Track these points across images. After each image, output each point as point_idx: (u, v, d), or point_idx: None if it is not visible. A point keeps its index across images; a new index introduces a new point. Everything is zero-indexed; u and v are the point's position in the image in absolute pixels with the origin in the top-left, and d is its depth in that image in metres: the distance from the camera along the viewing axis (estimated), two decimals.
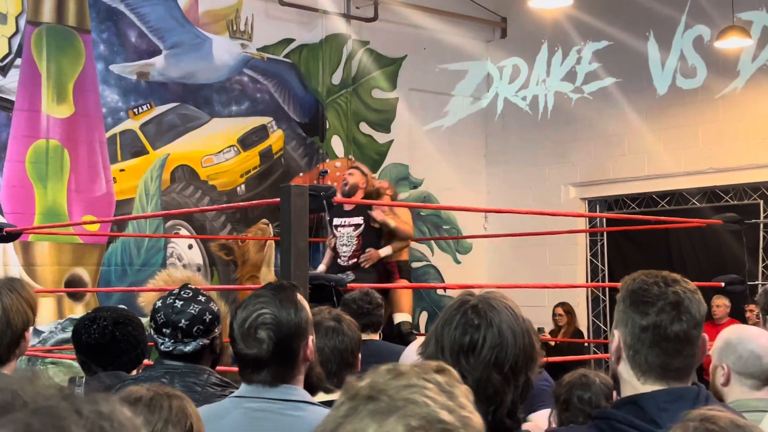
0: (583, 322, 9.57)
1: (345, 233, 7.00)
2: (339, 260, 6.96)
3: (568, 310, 9.08)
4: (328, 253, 7.19)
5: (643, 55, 9.25)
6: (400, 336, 6.59)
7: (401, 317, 7.13)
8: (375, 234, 6.94)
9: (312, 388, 2.27)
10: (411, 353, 2.30)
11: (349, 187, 6.97)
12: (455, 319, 1.71)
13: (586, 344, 9.17)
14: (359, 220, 6.95)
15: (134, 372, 3.00)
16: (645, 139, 9.22)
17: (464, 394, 1.06)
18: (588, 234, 9.80)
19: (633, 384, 1.83)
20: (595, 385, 2.85)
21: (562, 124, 9.90)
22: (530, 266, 9.71)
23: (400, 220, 7.01)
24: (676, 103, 9.07)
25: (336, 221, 7.02)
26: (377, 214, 6.88)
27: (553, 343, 8.75)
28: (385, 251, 6.93)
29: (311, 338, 2.23)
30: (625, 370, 1.84)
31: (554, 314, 9.10)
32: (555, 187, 9.93)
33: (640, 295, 1.83)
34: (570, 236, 9.37)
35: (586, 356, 8.88)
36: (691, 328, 1.80)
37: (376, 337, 4.49)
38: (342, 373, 2.75)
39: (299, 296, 2.22)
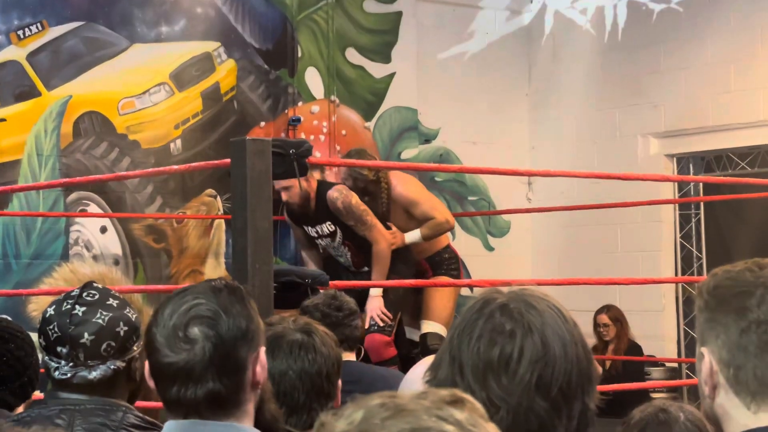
0: (669, 332, 9.57)
1: (327, 245, 7.14)
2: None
3: (616, 317, 9.07)
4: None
5: None
6: (426, 354, 6.64)
7: (429, 327, 7.18)
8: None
9: (265, 430, 2.27)
10: (415, 380, 2.28)
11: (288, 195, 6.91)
12: (478, 326, 1.71)
13: (674, 366, 9.18)
14: (329, 225, 7.04)
15: (19, 409, 2.99)
16: (762, 69, 9.18)
17: None
18: (677, 206, 9.80)
19: (741, 417, 1.82)
20: (679, 425, 2.85)
21: (639, 49, 9.87)
22: (593, 254, 9.70)
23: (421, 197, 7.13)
24: None
25: (309, 231, 7.13)
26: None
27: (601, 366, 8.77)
28: (413, 236, 7.01)
29: (262, 351, 2.25)
30: (726, 400, 1.84)
31: (596, 324, 9.08)
32: (629, 140, 9.92)
33: (729, 289, 1.84)
34: (651, 210, 9.37)
35: (674, 382, 8.91)
36: None
37: (351, 356, 4.52)
38: (314, 406, 2.76)
39: (247, 296, 2.26)
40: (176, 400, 2.17)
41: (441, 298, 7.24)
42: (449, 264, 7.47)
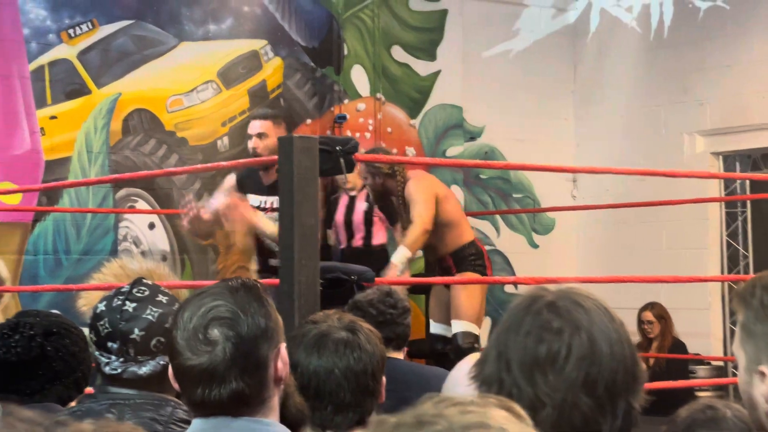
0: (715, 330, 9.51)
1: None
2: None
3: (660, 314, 9.01)
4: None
5: None
6: (459, 354, 6.60)
7: (460, 326, 7.14)
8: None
9: (291, 426, 2.27)
10: (459, 378, 2.28)
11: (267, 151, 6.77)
12: (526, 323, 1.71)
13: (720, 364, 9.12)
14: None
15: (72, 404, 3.01)
16: None
17: None
18: (724, 204, 9.73)
19: None
20: (726, 422, 2.82)
21: (685, 46, 9.81)
22: (639, 251, 9.66)
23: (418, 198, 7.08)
24: None
25: (253, 200, 6.90)
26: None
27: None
28: (399, 257, 6.94)
29: (283, 347, 2.26)
30: None
31: (640, 321, 9.02)
32: (675, 137, 9.86)
33: None
34: (698, 208, 9.31)
35: (719, 380, 8.85)
36: None
37: (400, 356, 4.48)
38: (360, 404, 2.74)
39: (264, 293, 2.26)
40: (201, 402, 2.18)
41: (468, 296, 7.16)
42: (475, 260, 7.38)
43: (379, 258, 8.04)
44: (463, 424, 1.03)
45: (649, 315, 9.01)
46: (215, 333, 2.17)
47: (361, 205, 8.24)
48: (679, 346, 9.01)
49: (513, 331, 1.71)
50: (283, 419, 2.26)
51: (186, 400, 2.23)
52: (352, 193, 8.23)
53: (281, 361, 2.24)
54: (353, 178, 8.05)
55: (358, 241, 8.15)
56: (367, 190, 7.86)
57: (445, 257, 7.36)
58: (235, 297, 2.21)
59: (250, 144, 6.79)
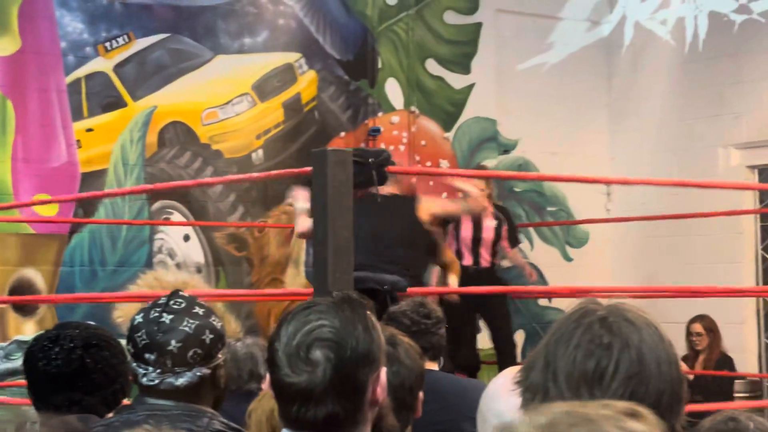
0: (750, 345, 9.45)
1: None
2: None
3: (709, 326, 8.94)
4: None
5: None
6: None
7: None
8: None
9: None
10: (497, 391, 2.28)
11: None
12: (576, 335, 1.71)
13: (752, 380, 9.06)
14: None
15: (110, 414, 3.04)
16: None
17: None
18: (759, 217, 9.68)
19: None
20: None
21: (720, 59, 9.78)
22: (673, 264, 9.62)
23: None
24: None
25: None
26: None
27: (690, 377, 8.67)
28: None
29: (383, 372, 2.22)
30: None
31: (689, 333, 8.96)
32: (710, 150, 9.82)
33: None
34: (733, 221, 9.28)
35: (757, 402, 8.76)
36: None
37: (435, 366, 4.47)
38: (396, 419, 2.74)
39: (369, 312, 2.23)
40: (295, 418, 2.17)
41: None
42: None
43: (499, 279, 8.13)
44: None
45: (698, 327, 8.92)
46: (317, 354, 2.14)
47: (490, 223, 8.26)
48: (727, 362, 8.92)
49: (563, 342, 1.71)
50: None
51: (280, 413, 2.22)
52: None
53: (380, 386, 2.21)
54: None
55: (486, 261, 8.19)
56: (492, 209, 7.95)
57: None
58: (341, 317, 2.17)
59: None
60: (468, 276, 7.98)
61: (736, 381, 9.00)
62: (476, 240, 8.24)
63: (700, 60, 9.93)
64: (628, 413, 1.09)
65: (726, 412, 2.92)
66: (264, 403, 2.97)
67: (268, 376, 2.24)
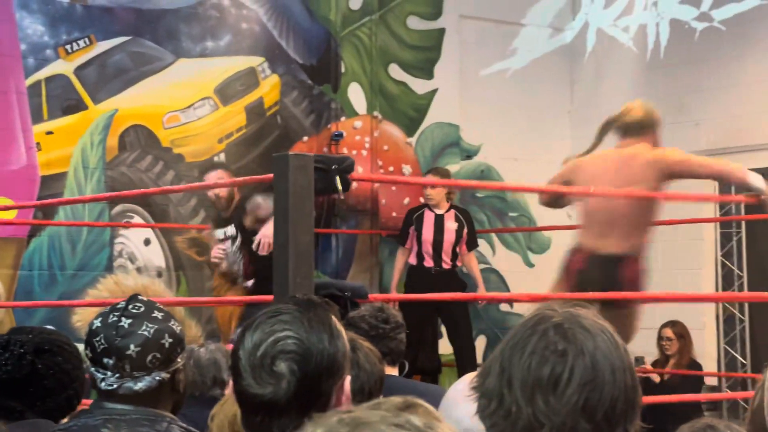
0: (709, 350, 9.50)
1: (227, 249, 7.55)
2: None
3: (680, 332, 9.04)
4: None
5: None
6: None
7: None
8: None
9: None
10: (457, 396, 2.29)
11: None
12: (531, 342, 1.72)
13: (708, 380, 9.12)
14: (232, 229, 7.44)
15: (64, 420, 3.02)
16: None
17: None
18: (719, 225, 9.74)
19: None
20: None
21: (681, 67, 9.83)
22: None
23: None
24: None
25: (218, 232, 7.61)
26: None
27: (658, 379, 8.74)
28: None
29: (347, 379, 2.23)
30: None
31: (660, 338, 9.07)
32: None
33: None
34: (693, 228, 9.33)
35: (715, 395, 8.85)
36: None
37: (394, 371, 4.47)
38: None
39: (334, 318, 2.23)
40: (258, 427, 2.17)
41: None
42: None
43: (460, 281, 8.19)
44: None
45: (669, 332, 9.03)
46: (282, 366, 2.14)
47: (451, 225, 8.32)
48: (695, 367, 9.02)
49: (518, 348, 1.72)
50: None
51: (243, 422, 2.21)
52: (438, 211, 8.30)
53: (345, 395, 2.21)
54: (437, 195, 8.18)
55: (447, 263, 8.26)
56: (455, 211, 8.03)
57: None
58: (306, 327, 2.17)
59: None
60: (429, 277, 8.02)
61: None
62: (437, 242, 8.28)
63: (662, 67, 9.98)
64: (402, 407, 1.10)
65: (704, 419, 2.93)
66: (227, 408, 2.96)
67: (231, 381, 2.24)
